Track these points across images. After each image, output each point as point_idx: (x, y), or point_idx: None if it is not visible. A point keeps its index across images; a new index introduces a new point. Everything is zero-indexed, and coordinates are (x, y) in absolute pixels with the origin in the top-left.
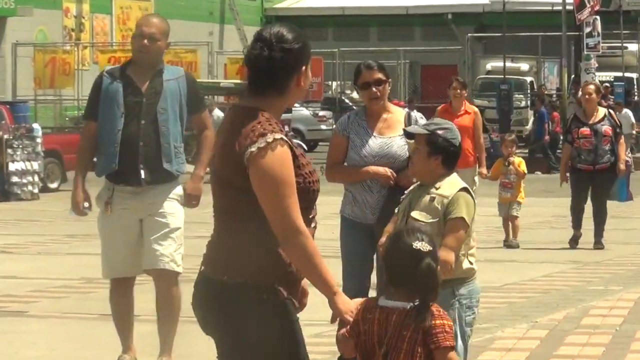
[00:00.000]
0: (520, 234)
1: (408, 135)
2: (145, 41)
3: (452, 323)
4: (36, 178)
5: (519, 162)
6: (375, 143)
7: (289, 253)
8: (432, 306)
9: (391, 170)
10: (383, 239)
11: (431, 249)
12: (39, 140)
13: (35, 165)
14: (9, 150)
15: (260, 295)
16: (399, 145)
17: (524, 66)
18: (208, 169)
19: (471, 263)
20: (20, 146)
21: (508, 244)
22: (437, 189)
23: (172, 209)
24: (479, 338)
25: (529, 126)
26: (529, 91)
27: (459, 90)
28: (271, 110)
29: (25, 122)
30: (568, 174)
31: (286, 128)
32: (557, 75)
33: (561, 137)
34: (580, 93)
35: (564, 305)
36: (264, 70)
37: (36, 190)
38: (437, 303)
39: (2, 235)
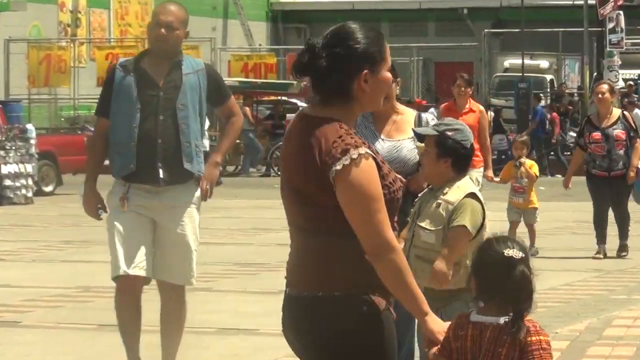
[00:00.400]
0: (540, 239)
1: (418, 137)
2: (163, 30)
3: (549, 339)
4: (30, 181)
5: (530, 164)
6: (383, 147)
7: (380, 270)
8: (528, 321)
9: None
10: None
11: (523, 255)
12: (32, 141)
13: (29, 167)
14: (2, 152)
15: (360, 307)
16: (408, 148)
17: (544, 63)
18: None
19: None
20: (13, 148)
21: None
22: (444, 194)
23: (191, 218)
24: None
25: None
26: (548, 90)
27: (463, 88)
28: (343, 118)
29: (18, 123)
30: (586, 181)
31: None
32: (579, 73)
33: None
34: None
35: (585, 315)
36: (314, 78)
37: (30, 194)
38: (450, 315)
39: None
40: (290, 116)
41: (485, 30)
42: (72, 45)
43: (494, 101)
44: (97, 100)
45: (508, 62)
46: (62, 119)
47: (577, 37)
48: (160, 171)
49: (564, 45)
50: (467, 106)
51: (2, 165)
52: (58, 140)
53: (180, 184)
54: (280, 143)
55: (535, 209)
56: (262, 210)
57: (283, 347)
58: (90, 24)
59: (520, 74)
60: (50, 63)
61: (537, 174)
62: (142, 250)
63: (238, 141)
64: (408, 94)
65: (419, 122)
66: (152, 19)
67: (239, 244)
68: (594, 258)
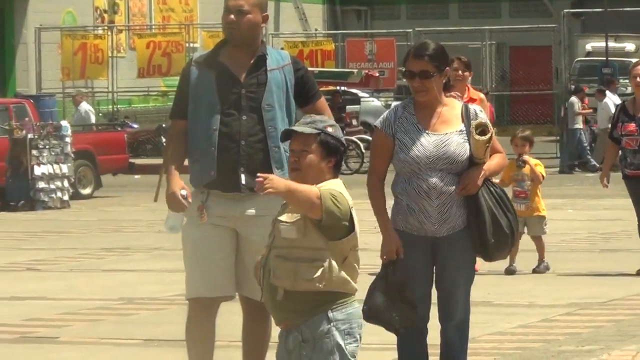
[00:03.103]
0: (625, 240)
1: (284, 135)
2: (232, 16)
3: None
4: (66, 183)
5: (535, 163)
6: (429, 142)
7: None
8: None
9: (398, 244)
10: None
11: None
12: (68, 139)
13: (65, 168)
14: (34, 152)
15: None
16: (457, 142)
17: (630, 46)
18: None
19: (350, 278)
20: (47, 147)
21: (511, 270)
22: None
23: None
24: None
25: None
26: None
27: (461, 72)
28: None
29: (52, 119)
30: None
31: (354, 122)
32: None
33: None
34: None
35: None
36: None
37: (66, 198)
38: (310, 331)
39: (28, 250)
40: (351, 108)
41: (565, 10)
42: (109, 33)
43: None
44: (137, 94)
45: (590, 45)
46: (100, 115)
47: None
48: (242, 177)
49: None
50: (465, 95)
51: (35, 166)
52: (96, 137)
53: None
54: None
55: (542, 217)
56: None
57: None
58: (129, 10)
59: (604, 58)
60: (85, 53)
61: (544, 173)
62: (222, 268)
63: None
64: (480, 81)
65: (466, 113)
66: (224, 3)
67: None
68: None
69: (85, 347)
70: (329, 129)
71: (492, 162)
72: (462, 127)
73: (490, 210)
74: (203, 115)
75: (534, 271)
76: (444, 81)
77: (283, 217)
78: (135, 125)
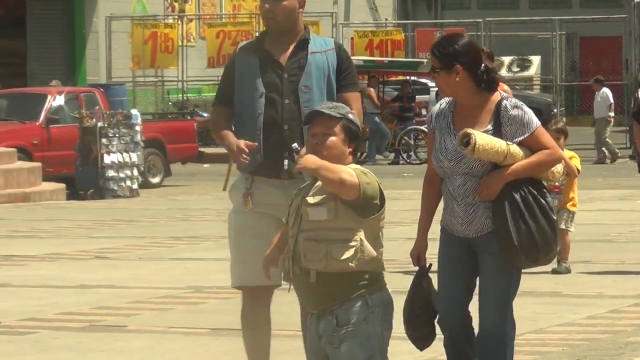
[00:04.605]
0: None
1: (307, 118)
2: (267, 5)
3: None
4: (135, 172)
5: (570, 155)
6: (452, 144)
7: None
8: None
9: (419, 251)
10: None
11: None
12: (138, 128)
13: (134, 157)
14: (104, 140)
15: None
16: None
17: None
18: None
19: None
20: (117, 135)
21: (557, 270)
22: None
23: None
24: None
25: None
26: None
27: None
28: None
29: (122, 108)
30: None
31: (424, 112)
32: None
33: None
34: None
35: None
36: None
37: (135, 186)
38: (346, 315)
39: (97, 239)
40: (420, 98)
41: (636, 0)
42: (179, 22)
43: None
44: (207, 83)
45: None
46: (170, 103)
47: None
48: (285, 162)
49: None
50: None
51: (105, 155)
52: (165, 126)
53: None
54: (410, 127)
55: (571, 212)
56: (389, 201)
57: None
58: None
59: None
60: (156, 42)
61: (579, 167)
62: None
63: (363, 125)
64: (550, 71)
65: (496, 112)
66: None
67: None
68: None
69: (153, 336)
70: (350, 116)
71: (523, 163)
72: (489, 127)
73: (514, 215)
74: (248, 101)
75: (553, 271)
76: (457, 78)
77: (311, 200)
78: (205, 114)
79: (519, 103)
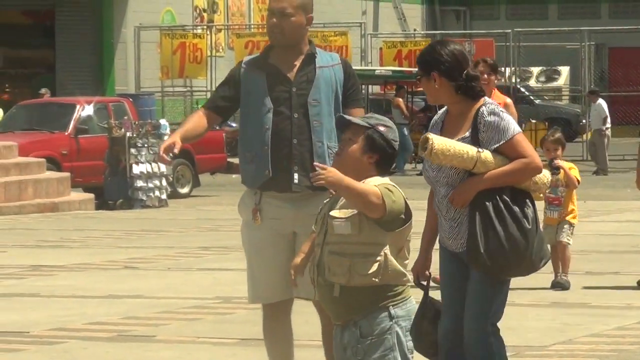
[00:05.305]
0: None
1: (341, 123)
2: (274, 19)
3: None
4: (164, 182)
5: (569, 166)
6: None
7: None
8: None
9: (419, 270)
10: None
11: None
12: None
13: (163, 167)
14: (133, 150)
15: None
16: None
17: None
18: None
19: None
20: (146, 145)
21: (557, 282)
22: None
23: None
24: None
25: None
26: None
27: (486, 75)
28: None
29: (151, 118)
30: None
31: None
32: None
33: None
34: None
35: None
36: None
37: (164, 197)
38: (370, 326)
39: (126, 249)
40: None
41: None
42: (208, 32)
43: None
44: None
45: None
46: None
47: None
48: (295, 176)
49: None
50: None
51: (134, 165)
52: None
53: (318, 190)
54: None
55: (572, 225)
56: (416, 212)
57: None
58: (228, 9)
59: None
60: (184, 52)
61: (579, 177)
62: (278, 272)
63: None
64: (579, 82)
65: (474, 118)
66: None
67: None
68: None
69: (182, 346)
70: (381, 128)
71: (497, 170)
72: (466, 134)
73: (484, 223)
74: (255, 116)
75: (553, 285)
76: (436, 85)
77: (335, 213)
78: (234, 125)
79: (498, 109)
